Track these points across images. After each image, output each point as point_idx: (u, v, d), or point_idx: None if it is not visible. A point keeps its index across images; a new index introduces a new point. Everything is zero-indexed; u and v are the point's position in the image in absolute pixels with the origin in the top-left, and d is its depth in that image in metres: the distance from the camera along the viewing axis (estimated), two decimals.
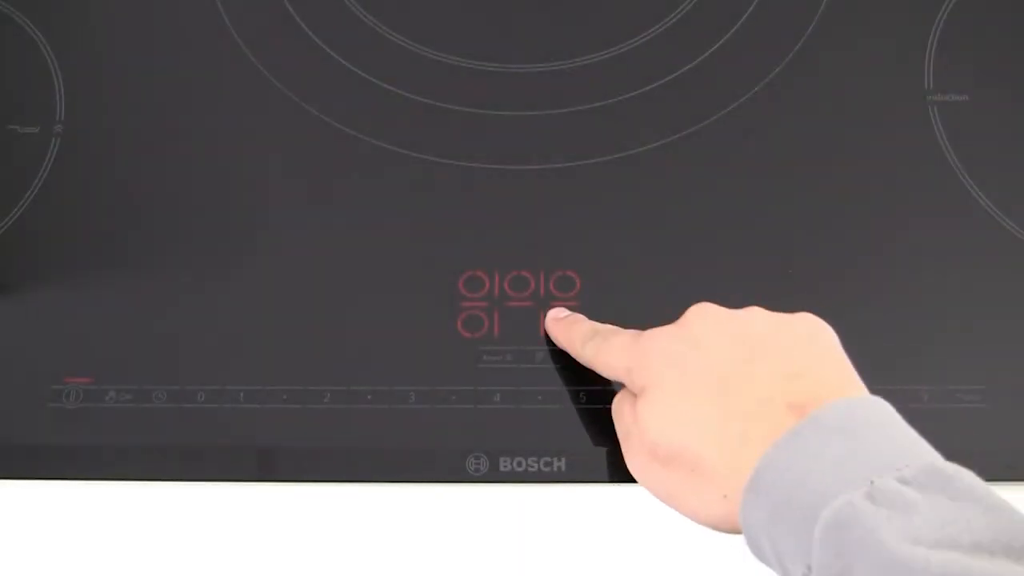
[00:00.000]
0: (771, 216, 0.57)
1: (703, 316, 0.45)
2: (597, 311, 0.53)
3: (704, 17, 0.63)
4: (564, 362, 0.53)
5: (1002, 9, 0.63)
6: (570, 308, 0.54)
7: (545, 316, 0.54)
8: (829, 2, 0.63)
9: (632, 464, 0.45)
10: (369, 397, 0.52)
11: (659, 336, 0.45)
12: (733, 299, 0.54)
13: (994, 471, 0.50)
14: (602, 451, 0.51)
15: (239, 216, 0.57)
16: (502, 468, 0.51)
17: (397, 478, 0.51)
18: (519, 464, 0.51)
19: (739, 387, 0.41)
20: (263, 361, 0.53)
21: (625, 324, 0.53)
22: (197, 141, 0.59)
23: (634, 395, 0.45)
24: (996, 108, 0.60)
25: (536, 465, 0.51)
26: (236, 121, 0.60)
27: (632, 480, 0.50)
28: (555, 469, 0.51)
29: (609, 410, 0.49)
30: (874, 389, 0.52)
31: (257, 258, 0.56)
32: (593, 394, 0.52)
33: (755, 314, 0.44)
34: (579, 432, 0.51)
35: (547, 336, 0.53)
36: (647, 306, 0.54)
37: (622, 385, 0.47)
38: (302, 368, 0.53)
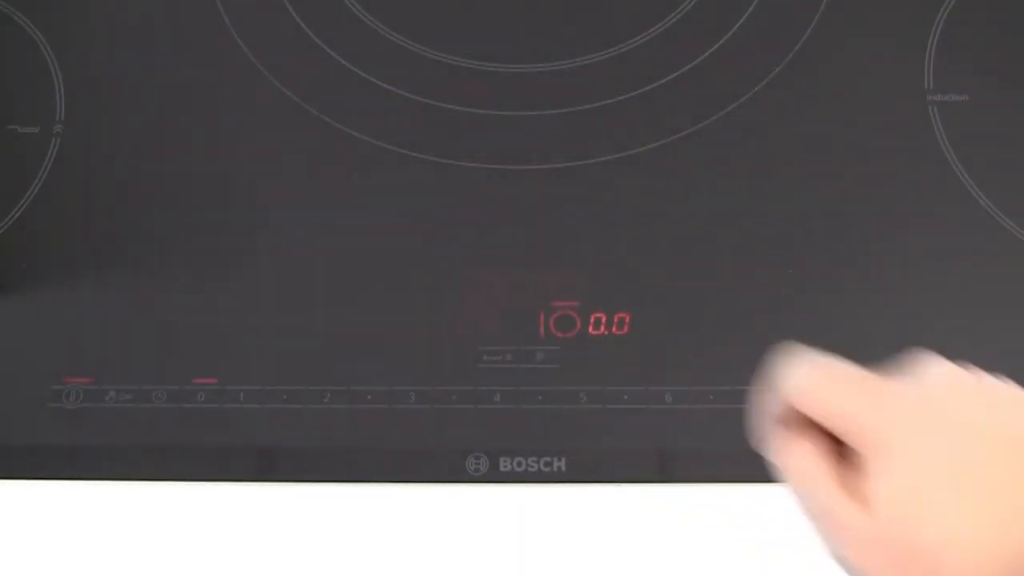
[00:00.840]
0: (771, 216, 0.57)
1: (945, 377, 0.37)
2: (597, 311, 0.53)
3: (704, 17, 0.63)
4: (564, 362, 0.53)
5: (1002, 9, 0.63)
6: (570, 307, 0.54)
7: (544, 316, 0.54)
8: (829, 2, 0.63)
9: (847, 556, 0.35)
10: (369, 397, 0.52)
11: (901, 391, 0.36)
12: (733, 298, 0.54)
13: None
14: (602, 451, 0.51)
15: (239, 216, 0.57)
16: (502, 468, 0.51)
17: (397, 478, 0.51)
18: (519, 464, 0.51)
19: (1006, 479, 0.34)
20: (263, 361, 0.53)
21: (627, 323, 0.54)
22: (197, 141, 0.59)
23: (835, 453, 0.36)
24: (996, 108, 0.60)
25: (536, 465, 0.51)
26: (236, 121, 0.60)
27: (632, 480, 0.51)
28: (555, 469, 0.51)
29: (609, 410, 0.49)
30: None
31: (257, 258, 0.56)
32: (593, 394, 0.52)
33: (1003, 387, 0.37)
34: (579, 432, 0.51)
35: (548, 336, 0.53)
36: (647, 306, 0.54)
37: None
38: (302, 368, 0.53)
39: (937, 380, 0.37)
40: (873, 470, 0.34)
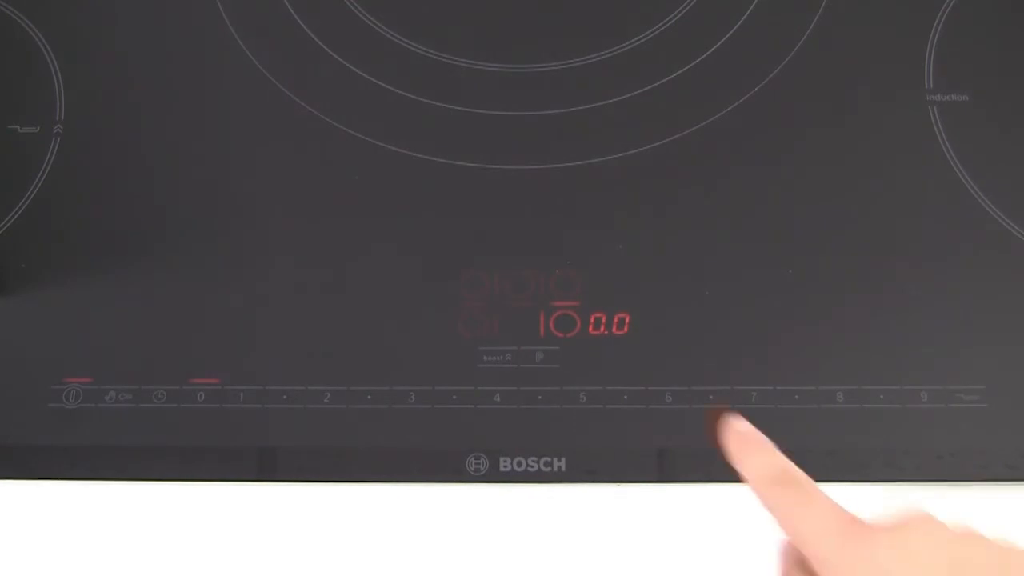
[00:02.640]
0: (771, 216, 0.57)
1: (926, 534, 0.40)
2: (597, 311, 0.53)
3: (704, 17, 0.63)
4: (564, 362, 0.53)
5: (1002, 9, 0.63)
6: (570, 308, 0.54)
7: (544, 316, 0.54)
8: (829, 2, 0.63)
9: None
10: (369, 397, 0.52)
11: (876, 547, 0.39)
12: (733, 298, 0.54)
13: (994, 471, 0.50)
14: (602, 451, 0.51)
15: (238, 216, 0.57)
16: (502, 468, 0.51)
17: (397, 478, 0.51)
18: (519, 464, 0.51)
19: None
20: (264, 361, 0.53)
21: (627, 323, 0.54)
22: (197, 141, 0.59)
23: None
24: (996, 108, 0.60)
25: (536, 465, 0.51)
26: (236, 121, 0.60)
27: (632, 480, 0.50)
28: (555, 469, 0.51)
29: (609, 410, 0.49)
30: (875, 389, 0.52)
31: (257, 258, 0.56)
32: (593, 394, 0.52)
33: (977, 544, 0.40)
34: (579, 432, 0.51)
35: (548, 336, 0.53)
36: (647, 306, 0.54)
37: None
38: (302, 368, 0.53)
39: (918, 545, 0.39)
40: None
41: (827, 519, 0.40)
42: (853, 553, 0.39)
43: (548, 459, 0.51)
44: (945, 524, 0.39)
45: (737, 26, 0.62)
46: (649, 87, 0.60)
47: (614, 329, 0.53)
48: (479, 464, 0.51)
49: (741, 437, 0.45)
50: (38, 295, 0.55)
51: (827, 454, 0.51)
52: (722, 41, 0.62)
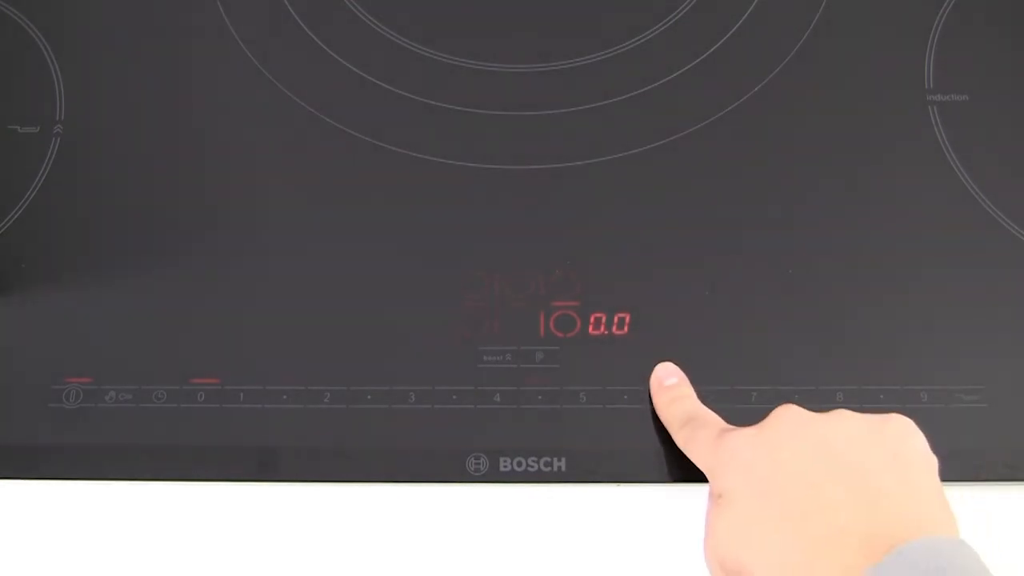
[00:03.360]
0: (771, 216, 0.57)
1: (785, 421, 0.43)
2: (597, 311, 0.53)
3: (704, 17, 0.63)
4: (564, 362, 0.53)
5: (1002, 9, 0.63)
6: (570, 308, 0.54)
7: (544, 316, 0.54)
8: (829, 2, 0.63)
9: (706, 555, 0.44)
10: (369, 397, 0.52)
11: (738, 441, 0.44)
12: (733, 299, 0.54)
13: (994, 471, 0.50)
14: (602, 451, 0.51)
15: (239, 216, 0.57)
16: (502, 468, 0.51)
17: (397, 478, 0.51)
18: (519, 464, 0.51)
19: (813, 511, 0.40)
20: (263, 361, 0.53)
21: (627, 322, 0.54)
22: (197, 141, 0.59)
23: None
24: (996, 108, 0.60)
25: (536, 465, 0.51)
26: (236, 121, 0.60)
27: (632, 480, 0.50)
28: (555, 469, 0.51)
29: (609, 410, 0.49)
30: (875, 389, 0.52)
31: (257, 258, 0.56)
32: (593, 394, 0.52)
33: (841, 420, 0.43)
34: (579, 432, 0.51)
35: (548, 336, 0.53)
36: (647, 306, 0.54)
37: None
38: (302, 368, 0.53)
39: (776, 432, 0.43)
40: (714, 505, 0.43)
41: (708, 436, 0.46)
42: (723, 455, 0.44)
43: (548, 459, 0.51)
44: (806, 411, 0.44)
45: (737, 26, 0.62)
46: (649, 87, 0.60)
47: (614, 329, 0.54)
48: (479, 464, 0.51)
49: (664, 390, 0.51)
50: (38, 295, 0.55)
51: None
52: (722, 41, 0.62)
